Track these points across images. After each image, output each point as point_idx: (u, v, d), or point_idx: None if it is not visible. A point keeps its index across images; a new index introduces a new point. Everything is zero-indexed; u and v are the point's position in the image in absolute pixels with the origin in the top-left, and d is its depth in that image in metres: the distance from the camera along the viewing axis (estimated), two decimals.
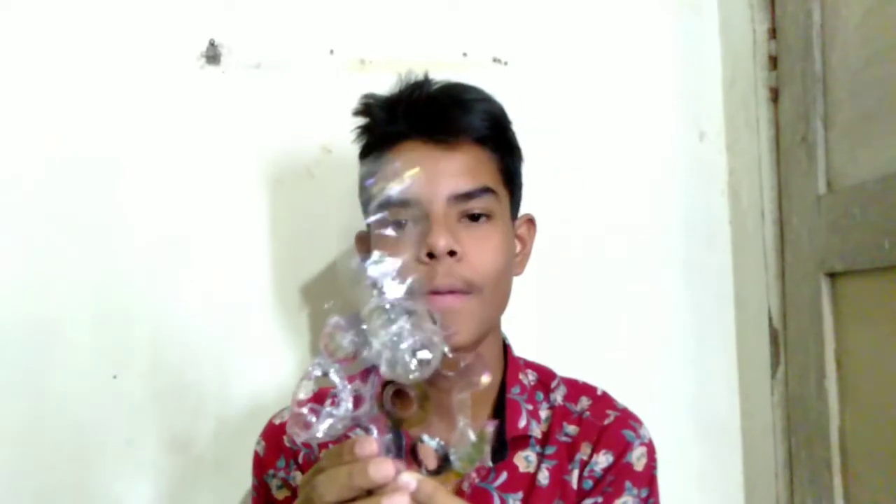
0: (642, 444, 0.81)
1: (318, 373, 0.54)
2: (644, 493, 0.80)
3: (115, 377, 1.05)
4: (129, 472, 1.05)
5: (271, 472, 0.84)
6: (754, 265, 1.12)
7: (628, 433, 0.81)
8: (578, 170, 1.16)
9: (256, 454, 0.86)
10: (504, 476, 0.79)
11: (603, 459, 0.80)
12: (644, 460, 0.80)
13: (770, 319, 1.08)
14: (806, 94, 1.01)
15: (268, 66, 1.11)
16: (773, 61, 1.09)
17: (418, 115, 0.77)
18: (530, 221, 0.88)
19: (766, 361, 1.09)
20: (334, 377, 0.54)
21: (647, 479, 0.80)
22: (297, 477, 0.82)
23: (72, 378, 1.04)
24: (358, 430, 0.55)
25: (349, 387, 0.53)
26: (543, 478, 0.79)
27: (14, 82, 1.06)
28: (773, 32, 1.10)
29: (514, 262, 0.83)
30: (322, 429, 0.52)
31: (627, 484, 0.79)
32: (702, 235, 1.19)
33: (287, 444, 0.84)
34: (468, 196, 0.75)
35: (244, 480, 0.98)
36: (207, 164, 1.10)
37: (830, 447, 0.95)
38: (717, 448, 1.16)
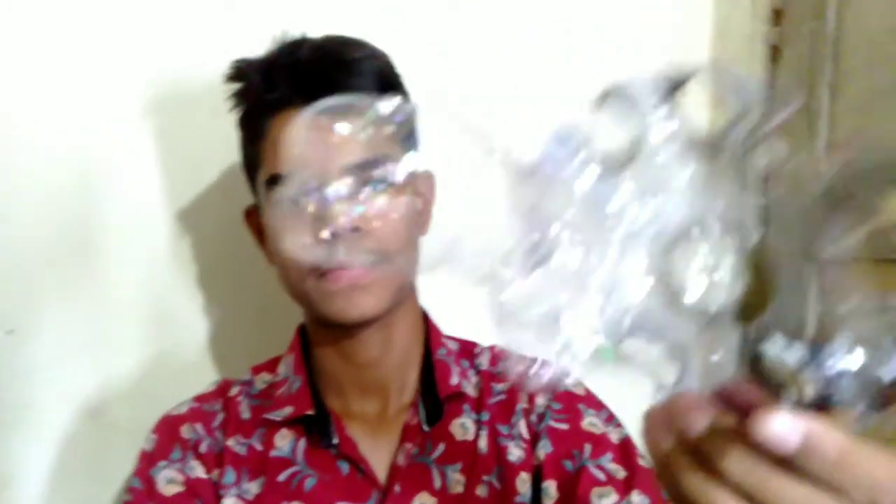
0: None
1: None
2: (604, 415, 0.76)
3: (10, 332, 0.90)
4: (28, 437, 0.91)
5: (162, 463, 0.74)
6: None
7: None
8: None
9: (143, 452, 0.76)
10: (441, 448, 0.74)
11: (542, 401, 0.77)
12: (581, 386, 0.77)
13: None
14: (813, 57, 0.92)
15: None
16: (777, 15, 0.99)
17: (300, 80, 0.70)
18: (430, 177, 0.79)
19: None
20: None
21: (600, 404, 0.77)
22: (196, 468, 0.74)
23: None
24: None
25: None
26: (484, 445, 0.74)
27: None
28: None
29: (418, 222, 0.76)
30: None
31: (580, 406, 0.75)
32: None
33: (185, 435, 0.75)
34: (364, 166, 0.67)
35: None
36: (93, 87, 0.90)
37: None
38: None
